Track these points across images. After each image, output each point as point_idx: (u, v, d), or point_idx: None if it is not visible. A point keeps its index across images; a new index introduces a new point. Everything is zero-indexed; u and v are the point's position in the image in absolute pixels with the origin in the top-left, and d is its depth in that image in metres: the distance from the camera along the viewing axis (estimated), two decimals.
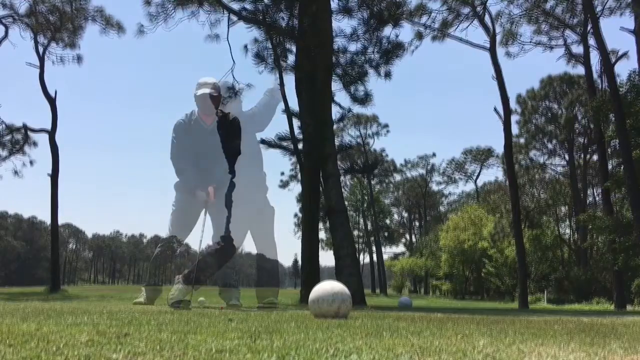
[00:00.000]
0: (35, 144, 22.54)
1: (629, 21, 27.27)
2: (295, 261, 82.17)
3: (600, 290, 27.76)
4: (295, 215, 46.47)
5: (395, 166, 53.30)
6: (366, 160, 39.15)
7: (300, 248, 10.57)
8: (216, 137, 4.85)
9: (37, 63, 21.10)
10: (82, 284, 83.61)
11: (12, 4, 20.27)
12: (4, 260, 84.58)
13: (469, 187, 60.37)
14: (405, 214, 61.45)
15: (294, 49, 10.74)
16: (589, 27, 19.00)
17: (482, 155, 51.49)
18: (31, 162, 22.55)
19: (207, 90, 4.97)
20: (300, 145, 10.89)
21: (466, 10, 19.56)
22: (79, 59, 21.69)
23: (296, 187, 41.27)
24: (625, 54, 19.08)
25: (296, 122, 10.93)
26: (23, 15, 20.60)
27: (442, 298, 39.44)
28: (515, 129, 31.80)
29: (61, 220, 24.33)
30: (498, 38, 20.28)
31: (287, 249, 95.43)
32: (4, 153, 22.19)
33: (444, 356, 1.44)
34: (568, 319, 3.71)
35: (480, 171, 52.86)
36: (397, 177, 55.78)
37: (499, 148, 50.05)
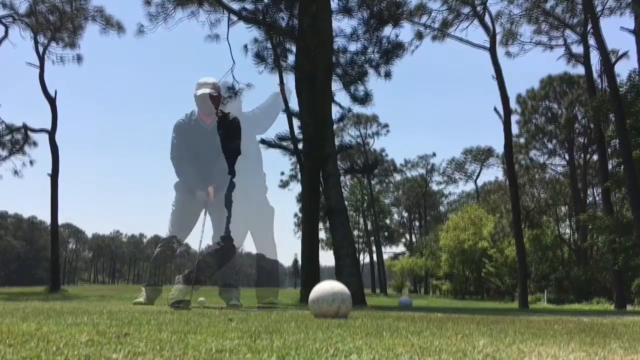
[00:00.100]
0: (35, 144, 22.58)
1: (629, 21, 27.29)
2: (295, 261, 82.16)
3: (600, 290, 27.77)
4: (295, 215, 46.52)
5: (395, 166, 53.34)
6: (366, 160, 39.14)
7: (300, 248, 10.58)
8: (216, 137, 4.84)
9: (37, 63, 21.15)
10: (82, 284, 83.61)
11: (12, 4, 20.30)
12: (4, 260, 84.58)
13: (469, 187, 60.41)
14: (405, 214, 61.49)
15: (294, 49, 10.74)
16: (589, 27, 19.01)
17: (482, 155, 51.50)
18: (31, 162, 22.59)
19: (207, 90, 4.96)
20: (300, 145, 10.89)
21: (466, 10, 19.57)
22: (79, 58, 21.72)
23: (296, 187, 41.31)
24: (625, 54, 19.11)
25: (296, 122, 10.92)
26: (23, 15, 20.61)
27: (442, 298, 39.45)
28: (515, 129, 31.85)
29: (61, 220, 24.36)
30: (498, 38, 20.29)
31: (287, 249, 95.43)
32: (4, 153, 22.22)
33: (444, 356, 1.44)
34: (568, 319, 3.71)
35: (480, 171, 52.92)
36: (397, 177, 55.87)
37: (499, 148, 50.04)
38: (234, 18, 10.78)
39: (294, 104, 10.45)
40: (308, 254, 10.06)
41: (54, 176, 20.65)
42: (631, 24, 16.30)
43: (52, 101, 21.09)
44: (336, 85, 10.61)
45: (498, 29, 20.38)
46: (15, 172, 22.26)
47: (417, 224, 62.14)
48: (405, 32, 36.51)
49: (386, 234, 52.70)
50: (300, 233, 19.79)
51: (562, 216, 40.36)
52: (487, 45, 19.66)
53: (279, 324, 2.43)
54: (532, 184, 38.51)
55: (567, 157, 34.51)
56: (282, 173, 43.06)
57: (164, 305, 4.48)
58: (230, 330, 1.98)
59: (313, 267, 9.98)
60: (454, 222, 40.65)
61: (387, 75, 10.78)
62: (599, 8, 18.58)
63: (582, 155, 33.99)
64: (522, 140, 35.21)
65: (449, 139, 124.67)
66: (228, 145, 4.73)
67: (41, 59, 21.11)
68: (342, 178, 12.34)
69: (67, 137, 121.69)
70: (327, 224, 20.97)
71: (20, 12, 20.54)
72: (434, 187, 57.71)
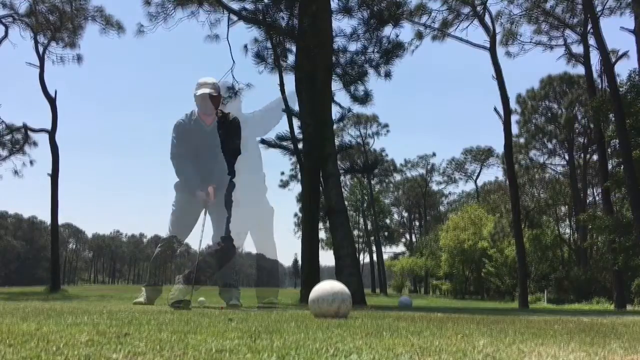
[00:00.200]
0: (35, 143, 22.59)
1: (629, 21, 27.30)
2: (295, 261, 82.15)
3: (600, 290, 27.77)
4: (295, 215, 46.52)
5: (395, 166, 53.34)
6: (366, 160, 39.13)
7: (300, 248, 10.58)
8: (216, 137, 4.84)
9: (37, 63, 21.15)
10: (82, 284, 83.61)
11: (12, 4, 20.29)
12: (4, 260, 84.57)
13: (469, 186, 60.51)
14: (405, 214, 61.49)
15: (294, 49, 10.74)
16: (589, 27, 19.01)
17: (482, 155, 51.50)
18: (31, 162, 22.60)
19: (207, 90, 4.96)
20: (300, 145, 10.90)
21: (466, 10, 19.58)
22: (79, 58, 21.72)
23: (296, 187, 41.29)
24: (625, 54, 19.12)
25: (296, 122, 10.93)
26: (23, 15, 20.61)
27: (442, 298, 39.45)
28: (515, 129, 31.86)
29: (61, 220, 24.36)
30: (498, 38, 20.30)
31: (287, 249, 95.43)
32: (4, 153, 22.24)
33: (444, 356, 1.44)
34: (568, 319, 3.71)
35: (480, 171, 52.93)
36: (397, 177, 55.88)
37: (499, 148, 50.04)
38: (234, 18, 10.79)
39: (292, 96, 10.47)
40: (308, 254, 10.06)
41: (54, 176, 20.65)
42: (631, 24, 16.31)
43: (52, 101, 21.08)
44: (336, 85, 10.62)
45: (498, 29, 20.42)
46: (15, 172, 22.30)
47: (417, 224, 62.17)
48: (405, 32, 36.54)
49: (386, 234, 52.70)
50: (300, 233, 19.80)
51: (562, 216, 40.37)
52: (487, 45, 19.68)
53: (279, 324, 2.43)
54: (532, 184, 38.52)
55: (567, 157, 34.51)
56: (282, 173, 43.09)
57: (164, 305, 4.48)
58: (230, 330, 1.98)
59: (313, 267, 9.98)
60: (454, 222, 40.66)
61: (387, 75, 10.79)
62: (599, 8, 18.59)
63: (582, 155, 33.99)
64: (522, 140, 35.22)
65: (449, 139, 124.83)
66: (228, 145, 4.72)
67: (41, 59, 21.12)
68: (342, 178, 12.34)
69: (67, 137, 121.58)
70: (327, 224, 20.98)
71: (20, 12, 20.57)
72: (434, 187, 57.79)
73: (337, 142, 13.16)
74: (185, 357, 1.31)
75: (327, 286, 3.04)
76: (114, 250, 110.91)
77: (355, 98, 10.82)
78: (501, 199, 42.19)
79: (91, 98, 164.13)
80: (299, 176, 20.70)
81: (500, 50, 20.25)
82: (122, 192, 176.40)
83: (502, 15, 20.51)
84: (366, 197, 48.08)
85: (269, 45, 10.98)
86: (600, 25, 17.07)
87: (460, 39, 19.56)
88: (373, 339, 1.80)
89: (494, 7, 31.36)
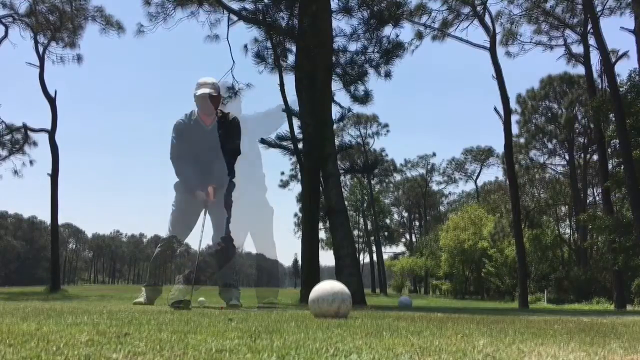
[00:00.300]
0: (35, 143, 22.60)
1: (629, 21, 27.28)
2: (295, 261, 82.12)
3: (600, 290, 27.77)
4: (295, 215, 46.51)
5: (395, 166, 53.33)
6: (366, 160, 39.13)
7: (300, 248, 10.58)
8: (216, 137, 4.84)
9: (37, 63, 21.17)
10: (82, 284, 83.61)
11: (12, 4, 20.31)
12: (4, 260, 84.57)
13: (469, 186, 60.46)
14: (405, 214, 61.49)
15: (294, 48, 10.75)
16: (589, 27, 19.01)
17: (482, 155, 51.51)
18: (31, 162, 22.61)
19: (206, 90, 4.95)
20: (300, 145, 10.90)
21: (466, 9, 19.58)
22: (79, 58, 21.73)
23: (296, 187, 41.28)
24: (625, 54, 19.12)
25: (296, 122, 10.93)
26: (23, 15, 20.62)
27: (442, 298, 39.45)
28: (515, 129, 31.84)
29: (61, 220, 24.37)
30: (498, 38, 20.30)
31: (287, 249, 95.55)
32: (4, 153, 22.25)
33: (444, 356, 1.44)
34: (568, 319, 3.71)
35: (480, 171, 52.95)
36: (397, 177, 55.87)
37: (499, 148, 50.01)
38: (234, 18, 10.79)
39: (294, 104, 10.48)
40: (308, 254, 10.06)
41: (54, 176, 20.65)
42: (631, 24, 16.31)
43: (52, 101, 21.09)
44: (336, 85, 10.63)
45: (498, 29, 20.42)
46: (15, 172, 22.31)
47: (417, 223, 62.17)
48: (405, 32, 36.52)
49: (386, 233, 52.70)
50: (300, 233, 19.80)
51: (562, 216, 40.37)
52: (487, 45, 19.68)
53: (279, 324, 2.43)
54: (532, 184, 38.51)
55: (567, 157, 34.51)
56: (282, 173, 43.07)
57: (164, 305, 4.48)
58: (230, 330, 1.98)
59: (313, 267, 9.99)
60: (454, 222, 40.66)
61: (387, 75, 10.80)
62: (599, 8, 18.59)
63: (582, 155, 33.99)
64: (522, 140, 35.22)
65: (449, 139, 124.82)
66: (228, 145, 4.72)
67: (41, 59, 21.13)
68: (342, 178, 12.34)
69: (67, 137, 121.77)
70: (327, 224, 20.97)
71: (20, 12, 20.58)
72: (434, 187, 57.80)
73: (337, 142, 13.17)
74: (185, 357, 1.31)
75: (327, 286, 3.04)
76: (114, 250, 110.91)
77: (355, 98, 10.83)
78: (501, 199, 42.19)
79: (91, 98, 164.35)
80: (299, 176, 20.71)
81: (500, 50, 20.28)
82: (122, 192, 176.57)
83: (502, 15, 20.54)
84: (366, 197, 48.09)
85: (269, 45, 10.99)
86: (600, 25, 17.10)
87: (460, 39, 19.59)
88: (373, 339, 1.80)
89: (494, 7, 31.39)
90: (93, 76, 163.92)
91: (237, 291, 5.38)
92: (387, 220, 54.35)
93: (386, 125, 44.58)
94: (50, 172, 20.69)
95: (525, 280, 20.17)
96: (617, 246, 17.88)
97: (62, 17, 20.51)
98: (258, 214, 5.44)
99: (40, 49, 21.21)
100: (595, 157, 29.92)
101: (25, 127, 22.21)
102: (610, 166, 22.23)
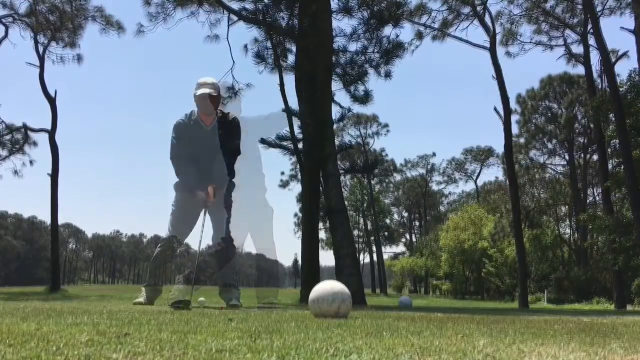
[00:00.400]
0: (35, 143, 22.60)
1: (629, 21, 27.29)
2: (295, 261, 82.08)
3: (600, 290, 27.77)
4: (295, 215, 46.51)
5: (395, 166, 53.35)
6: (366, 160, 39.13)
7: (300, 248, 10.59)
8: (216, 137, 4.83)
9: (37, 63, 21.16)
10: (82, 284, 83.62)
11: (12, 4, 20.31)
12: (4, 260, 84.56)
13: (469, 186, 60.49)
14: (405, 214, 61.49)
15: (294, 49, 10.75)
16: (589, 27, 19.01)
17: (482, 155, 51.51)
18: (31, 162, 22.61)
19: (206, 90, 4.95)
20: (300, 145, 10.89)
21: (466, 9, 19.59)
22: (79, 58, 21.74)
23: (296, 187, 41.30)
24: (625, 54, 19.13)
25: (296, 122, 10.93)
26: (23, 15, 20.62)
27: (442, 298, 39.46)
28: (515, 129, 31.85)
29: (61, 220, 24.36)
30: (498, 38, 20.31)
31: (287, 249, 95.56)
32: (4, 153, 22.26)
33: (444, 356, 1.44)
34: (568, 319, 3.71)
35: (480, 171, 52.97)
36: (397, 177, 55.91)
37: (499, 148, 50.00)
38: (234, 18, 10.79)
39: (294, 104, 10.48)
40: (308, 254, 10.06)
41: (54, 176, 20.65)
42: (631, 24, 16.31)
43: (52, 101, 21.09)
44: (336, 85, 10.64)
45: (498, 29, 20.43)
46: (15, 172, 22.32)
47: (417, 223, 62.17)
48: (405, 32, 36.51)
49: (386, 233, 52.70)
50: (300, 233, 19.80)
51: (562, 216, 40.37)
52: (487, 45, 19.68)
53: (279, 324, 2.43)
54: (532, 184, 38.52)
55: (567, 157, 34.51)
56: (282, 173, 43.09)
57: (164, 305, 4.48)
58: (230, 330, 1.98)
59: (313, 267, 9.98)
60: (454, 222, 40.66)
61: (387, 75, 10.80)
62: (599, 8, 18.60)
63: (582, 155, 33.99)
64: (522, 140, 35.23)
65: (449, 139, 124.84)
66: (227, 145, 4.72)
67: (41, 59, 21.12)
68: (342, 178, 12.34)
69: (67, 137, 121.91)
70: (327, 224, 20.98)
71: (20, 12, 20.59)
72: (434, 187, 57.82)
73: (337, 142, 13.17)
74: (185, 357, 1.31)
75: (327, 286, 3.04)
76: (114, 250, 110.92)
77: (355, 98, 10.83)
78: (501, 199, 42.21)
79: (91, 98, 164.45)
80: (299, 176, 20.70)
81: (500, 50, 20.29)
82: (122, 192, 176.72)
83: (502, 15, 20.55)
84: (366, 197, 48.09)
85: (269, 45, 10.99)
86: (600, 25, 17.10)
87: (460, 39, 19.60)
88: (373, 339, 1.80)
89: (494, 7, 31.41)
90: (93, 76, 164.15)
91: (237, 291, 5.38)
92: (387, 220, 54.36)
93: (386, 125, 44.64)
94: (50, 172, 20.69)
95: (525, 280, 20.18)
96: (617, 246, 17.88)
97: (62, 17, 20.51)
98: (258, 214, 5.44)
99: (40, 48, 21.23)
100: (595, 157, 29.92)
101: (25, 127, 22.21)
102: (610, 166, 22.25)
